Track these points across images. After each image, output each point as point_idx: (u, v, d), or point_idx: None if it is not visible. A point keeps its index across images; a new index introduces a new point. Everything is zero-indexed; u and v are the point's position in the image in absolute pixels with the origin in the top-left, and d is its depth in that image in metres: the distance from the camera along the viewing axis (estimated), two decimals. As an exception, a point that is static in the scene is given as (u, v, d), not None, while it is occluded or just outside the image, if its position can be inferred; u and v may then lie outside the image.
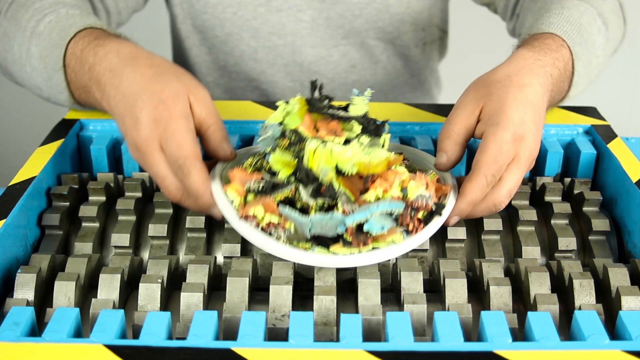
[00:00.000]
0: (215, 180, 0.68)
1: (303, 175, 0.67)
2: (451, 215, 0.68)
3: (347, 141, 0.68)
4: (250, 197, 0.67)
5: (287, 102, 0.71)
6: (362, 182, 0.67)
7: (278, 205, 0.65)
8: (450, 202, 0.67)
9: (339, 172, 0.66)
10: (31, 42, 0.84)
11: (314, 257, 0.62)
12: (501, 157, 0.67)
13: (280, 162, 0.68)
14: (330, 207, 0.66)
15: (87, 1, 0.96)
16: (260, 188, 0.67)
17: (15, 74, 0.90)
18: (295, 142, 0.68)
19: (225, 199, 0.66)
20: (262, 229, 0.64)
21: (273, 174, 0.69)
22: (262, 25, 1.13)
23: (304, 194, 0.66)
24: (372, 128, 0.69)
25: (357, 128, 0.69)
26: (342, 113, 0.70)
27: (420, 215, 0.65)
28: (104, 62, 0.75)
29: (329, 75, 1.18)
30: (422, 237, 0.64)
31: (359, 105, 0.70)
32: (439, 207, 0.66)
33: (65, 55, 0.81)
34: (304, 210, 0.66)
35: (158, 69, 0.72)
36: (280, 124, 0.70)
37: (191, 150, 0.66)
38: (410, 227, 0.64)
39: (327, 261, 0.62)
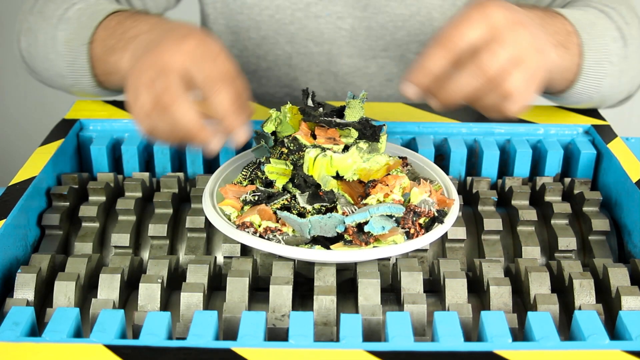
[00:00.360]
0: (207, 197, 0.69)
1: (301, 181, 0.67)
2: (410, 79, 0.65)
3: (345, 147, 0.68)
4: (246, 208, 0.67)
5: (278, 111, 0.71)
6: (361, 186, 0.67)
7: (275, 212, 0.65)
8: (453, 212, 0.67)
9: (338, 177, 0.66)
10: (58, 27, 0.86)
11: (314, 252, 0.62)
12: (463, 23, 0.64)
13: (275, 172, 0.68)
14: (329, 211, 0.66)
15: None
16: (256, 199, 0.67)
17: (38, 66, 0.91)
18: (294, 150, 0.68)
19: (219, 215, 0.66)
20: (260, 235, 0.64)
21: (267, 184, 0.70)
22: (299, 30, 1.10)
23: (301, 200, 0.66)
24: (369, 133, 0.69)
25: (354, 133, 0.69)
26: (337, 120, 0.69)
27: (421, 221, 0.65)
28: (142, 25, 0.76)
29: (364, 88, 1.14)
30: (425, 239, 0.64)
31: (355, 109, 0.70)
32: (442, 215, 0.65)
33: (93, 34, 0.82)
34: (302, 216, 0.66)
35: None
36: (273, 133, 0.70)
37: (230, 72, 0.65)
38: (412, 232, 0.64)
39: (326, 256, 0.62)
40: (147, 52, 0.67)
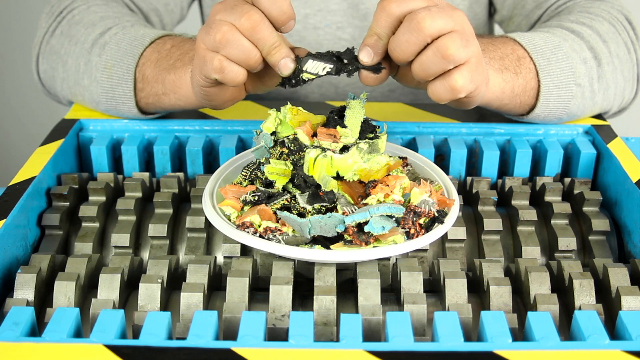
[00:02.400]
0: (206, 198, 0.69)
1: (301, 181, 0.67)
2: (362, 44, 0.68)
3: (345, 147, 0.68)
4: (246, 208, 0.67)
5: (278, 111, 0.71)
6: (361, 187, 0.67)
7: (275, 212, 0.66)
8: (453, 212, 0.67)
9: (338, 177, 0.66)
10: (92, 52, 0.85)
11: (314, 252, 0.62)
12: None
13: (275, 172, 0.68)
14: (329, 211, 0.66)
15: (142, 18, 0.98)
16: (255, 200, 0.67)
17: (63, 90, 0.90)
18: (295, 151, 0.68)
19: (219, 215, 0.66)
20: (260, 235, 0.64)
21: (267, 185, 0.69)
22: (297, 42, 1.09)
23: (301, 200, 0.66)
24: (369, 131, 0.69)
25: (355, 133, 0.69)
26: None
27: (422, 221, 0.65)
28: None
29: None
30: (425, 239, 0.64)
31: (355, 109, 0.70)
32: (442, 215, 0.65)
33: (138, 60, 0.81)
34: (302, 216, 0.66)
35: None
36: (273, 133, 0.70)
37: None
38: (412, 232, 0.64)
39: (326, 256, 0.62)
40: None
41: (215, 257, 0.71)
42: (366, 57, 0.68)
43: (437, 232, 0.65)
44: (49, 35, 0.90)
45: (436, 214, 0.65)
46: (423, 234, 0.64)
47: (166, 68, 0.80)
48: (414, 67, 0.67)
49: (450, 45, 0.64)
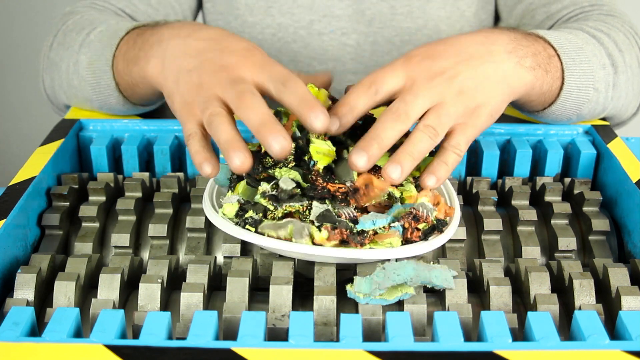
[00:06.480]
0: (207, 198, 0.68)
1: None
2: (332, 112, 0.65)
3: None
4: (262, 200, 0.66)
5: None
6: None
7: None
8: (454, 221, 0.67)
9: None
10: (80, 52, 0.85)
11: (312, 248, 0.62)
12: (386, 70, 0.66)
13: (322, 152, 0.67)
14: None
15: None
16: (277, 194, 0.65)
17: (62, 96, 0.91)
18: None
19: (218, 215, 0.66)
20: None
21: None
22: (302, 49, 1.09)
23: (314, 212, 0.64)
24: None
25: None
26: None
27: (420, 226, 0.64)
28: (163, 29, 0.75)
29: None
30: (423, 247, 0.64)
31: None
32: (441, 224, 0.65)
33: (115, 51, 0.81)
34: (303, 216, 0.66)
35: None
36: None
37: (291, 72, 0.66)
38: (408, 235, 0.64)
39: (325, 252, 0.62)
40: (208, 61, 0.67)
41: (215, 257, 0.71)
42: (328, 125, 0.63)
43: (438, 240, 0.65)
44: (48, 50, 0.92)
45: (435, 222, 0.65)
46: (418, 236, 0.64)
47: (131, 59, 0.79)
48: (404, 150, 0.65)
49: (435, 124, 0.65)
